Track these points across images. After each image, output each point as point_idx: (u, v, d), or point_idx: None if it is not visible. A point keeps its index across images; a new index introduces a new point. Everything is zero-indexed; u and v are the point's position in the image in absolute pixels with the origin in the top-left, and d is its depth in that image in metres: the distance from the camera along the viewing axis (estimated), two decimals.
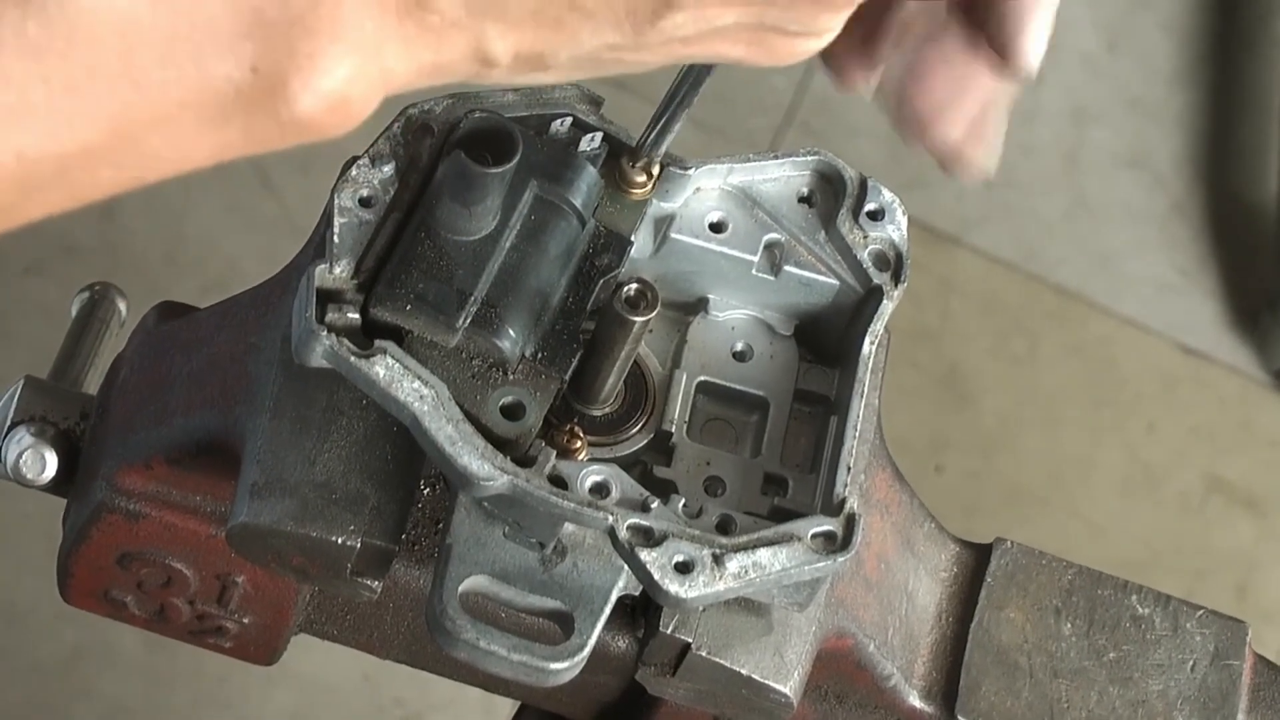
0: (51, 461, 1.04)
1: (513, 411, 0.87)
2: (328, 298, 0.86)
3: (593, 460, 0.90)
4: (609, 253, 0.92)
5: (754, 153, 0.97)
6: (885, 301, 0.94)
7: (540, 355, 0.89)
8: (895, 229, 0.96)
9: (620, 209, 0.93)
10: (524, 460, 0.86)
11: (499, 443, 0.86)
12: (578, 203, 0.90)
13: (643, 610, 0.96)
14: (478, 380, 0.88)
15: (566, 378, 0.90)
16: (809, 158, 0.97)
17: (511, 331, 0.87)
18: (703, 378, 0.96)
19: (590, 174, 0.91)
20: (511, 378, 0.88)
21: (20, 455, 1.04)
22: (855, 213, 0.95)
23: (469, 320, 0.87)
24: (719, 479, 0.94)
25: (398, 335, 0.87)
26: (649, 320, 0.90)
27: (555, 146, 0.92)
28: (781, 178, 0.97)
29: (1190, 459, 2.32)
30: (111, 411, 1.02)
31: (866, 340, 0.93)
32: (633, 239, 0.92)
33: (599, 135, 0.93)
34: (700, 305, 0.97)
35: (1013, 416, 2.31)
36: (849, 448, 0.91)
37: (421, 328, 0.87)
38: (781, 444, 0.95)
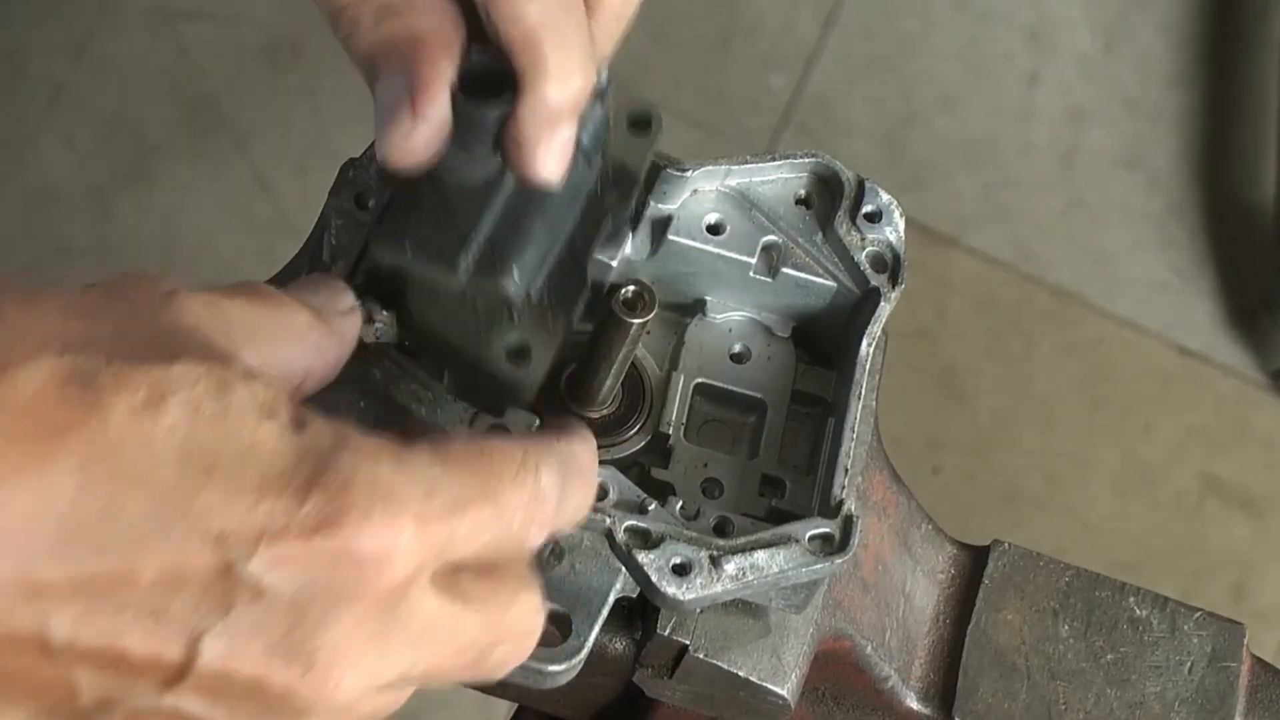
0: None
1: (519, 353, 0.85)
2: None
3: None
4: (617, 189, 0.89)
5: (751, 154, 0.97)
6: (882, 303, 0.94)
7: (547, 296, 0.86)
8: (892, 230, 0.96)
9: (628, 145, 0.90)
10: None
11: (506, 389, 0.85)
12: (584, 140, 0.87)
13: (640, 612, 0.96)
14: (483, 323, 0.85)
15: (574, 318, 0.87)
16: (806, 160, 0.97)
17: (516, 272, 0.84)
18: (700, 379, 0.96)
19: (596, 111, 0.88)
20: (517, 320, 0.85)
21: None
22: (852, 214, 0.95)
23: (472, 262, 0.83)
24: (716, 481, 0.94)
25: (399, 298, 0.85)
26: (646, 322, 0.90)
27: None
28: (779, 180, 0.97)
29: (1186, 459, 2.32)
30: None
31: (864, 342, 0.93)
32: (639, 180, 0.90)
33: (605, 71, 0.89)
34: (698, 307, 0.97)
35: (1009, 417, 2.31)
36: (846, 449, 0.91)
37: (424, 271, 0.83)
38: (779, 445, 0.95)
